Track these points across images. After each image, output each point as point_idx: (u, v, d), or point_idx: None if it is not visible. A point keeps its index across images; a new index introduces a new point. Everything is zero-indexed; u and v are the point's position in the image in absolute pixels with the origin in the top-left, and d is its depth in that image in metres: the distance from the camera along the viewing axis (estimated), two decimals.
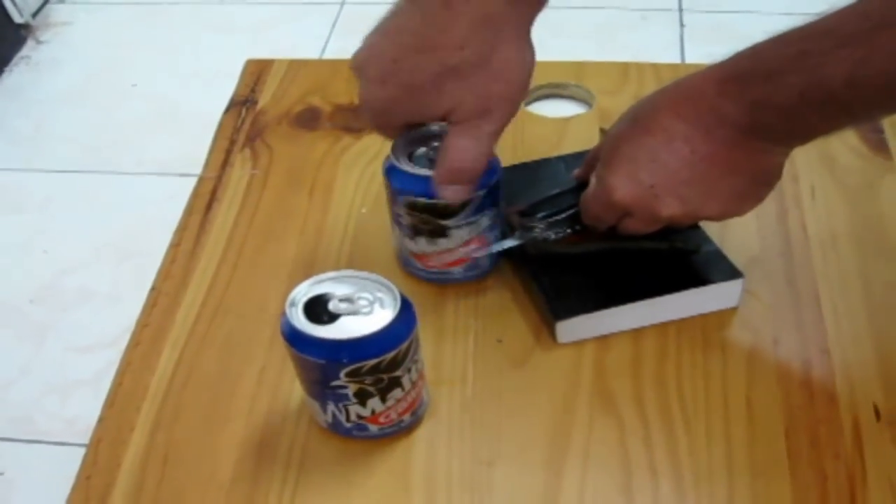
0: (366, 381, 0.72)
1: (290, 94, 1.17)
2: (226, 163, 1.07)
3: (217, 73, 1.20)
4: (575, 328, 0.85)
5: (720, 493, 0.75)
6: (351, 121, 1.11)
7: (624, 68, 1.19)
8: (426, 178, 0.81)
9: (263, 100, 1.16)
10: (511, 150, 1.05)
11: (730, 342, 0.87)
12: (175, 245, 0.98)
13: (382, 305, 0.71)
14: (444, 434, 0.80)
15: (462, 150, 0.78)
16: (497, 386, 0.84)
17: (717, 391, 0.82)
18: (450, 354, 0.86)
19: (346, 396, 0.73)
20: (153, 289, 0.94)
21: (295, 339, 0.71)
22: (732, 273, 0.87)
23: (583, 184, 0.87)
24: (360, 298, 0.71)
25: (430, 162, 0.82)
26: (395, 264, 0.93)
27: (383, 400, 0.74)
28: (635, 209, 0.79)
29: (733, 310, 0.89)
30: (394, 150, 0.83)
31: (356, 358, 0.70)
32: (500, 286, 0.92)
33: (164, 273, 0.95)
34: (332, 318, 0.71)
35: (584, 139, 1.03)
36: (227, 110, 1.15)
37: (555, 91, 1.17)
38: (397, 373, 0.72)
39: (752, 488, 0.76)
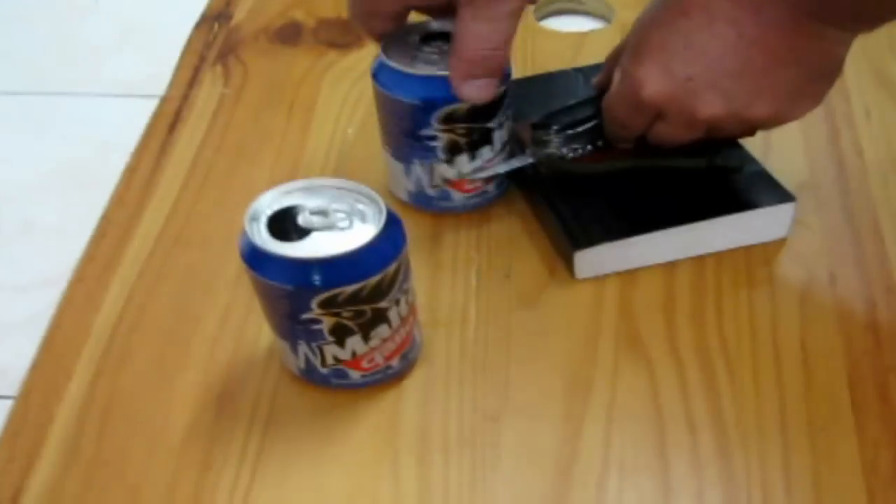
0: (343, 314, 0.58)
1: (270, 8, 1.05)
2: (194, 81, 0.95)
3: None
4: (596, 260, 0.73)
5: (772, 451, 0.63)
6: (337, 36, 0.99)
7: None
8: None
9: (239, 14, 1.04)
10: (520, 68, 0.92)
11: (779, 278, 0.74)
12: (131, 169, 0.85)
13: (363, 219, 0.58)
14: (441, 383, 0.67)
15: (478, 35, 0.66)
16: (504, 327, 0.71)
17: (765, 334, 0.70)
18: (448, 291, 0.74)
19: (320, 334, 0.60)
20: (103, 218, 0.81)
21: (255, 259, 0.58)
22: (782, 196, 0.74)
23: (604, 93, 0.73)
24: (336, 211, 0.58)
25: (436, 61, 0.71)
26: (386, 192, 0.80)
27: (366, 339, 0.61)
28: (669, 108, 0.67)
29: (782, 241, 0.76)
30: (385, 49, 0.71)
31: (331, 283, 0.57)
32: (507, 214, 0.79)
33: (116, 200, 0.82)
34: (302, 234, 0.58)
35: (604, 55, 0.89)
36: (198, 25, 1.03)
37: (569, 6, 1.05)
38: (382, 304, 0.59)
39: (812, 446, 0.63)
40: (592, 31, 1.00)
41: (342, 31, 1.00)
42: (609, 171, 0.75)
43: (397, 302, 0.60)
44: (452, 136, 0.72)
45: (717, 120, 0.66)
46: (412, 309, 0.64)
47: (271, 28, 1.01)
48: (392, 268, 0.58)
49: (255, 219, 0.58)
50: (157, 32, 1.13)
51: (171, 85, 0.94)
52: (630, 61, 0.67)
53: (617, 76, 0.69)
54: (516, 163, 0.76)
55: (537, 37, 0.99)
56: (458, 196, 0.77)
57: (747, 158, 0.77)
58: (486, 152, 0.74)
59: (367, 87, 0.75)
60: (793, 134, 0.83)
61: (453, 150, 0.73)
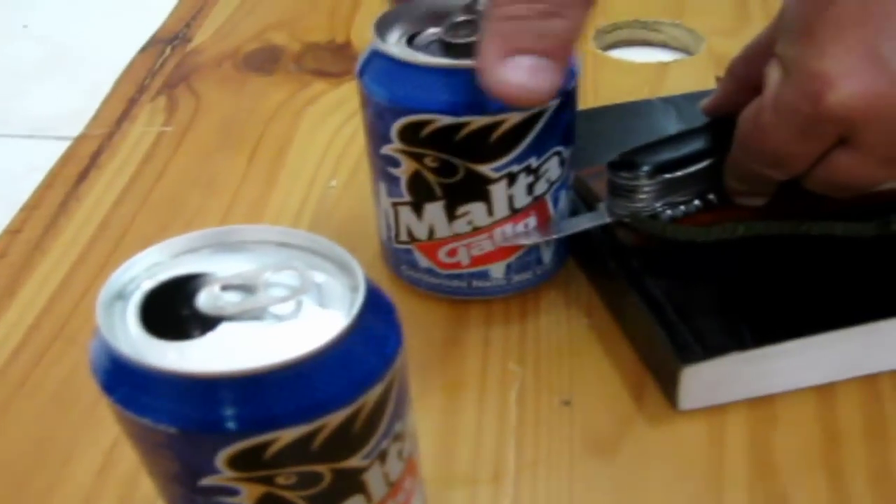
0: (279, 480, 0.31)
1: (243, 30, 0.80)
2: (125, 115, 0.68)
3: (147, 11, 0.81)
4: (714, 381, 0.46)
5: None
6: (328, 63, 0.72)
7: (742, 4, 0.80)
8: (447, 74, 0.44)
9: (201, 36, 0.79)
10: (579, 103, 0.66)
11: None
12: (12, 231, 0.58)
13: (322, 300, 0.31)
14: None
15: None
16: (564, 489, 0.44)
17: None
18: (472, 428, 0.47)
19: None
20: None
21: (115, 376, 0.30)
22: None
23: (723, 122, 0.48)
24: (270, 284, 0.31)
25: (449, 49, 0.46)
26: (381, 267, 0.53)
27: None
28: (869, 125, 0.41)
29: None
30: (378, 27, 0.44)
31: (253, 423, 0.30)
32: (565, 303, 0.53)
33: None
34: (206, 326, 0.31)
35: (695, 88, 0.63)
36: (145, 48, 0.77)
37: (640, 35, 0.79)
38: (354, 461, 0.32)
39: None
40: (676, 61, 0.74)
41: (336, 57, 0.74)
42: (729, 239, 0.49)
43: (383, 456, 0.33)
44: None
45: None
46: (410, 466, 0.36)
47: (241, 53, 0.76)
48: (375, 393, 0.31)
49: (120, 297, 0.31)
50: (92, 61, 0.86)
51: (94, 120, 0.68)
52: (803, 49, 0.41)
53: (773, 76, 0.43)
54: (584, 223, 0.50)
55: (600, 67, 0.73)
56: (498, 271, 0.50)
57: None
58: None
59: (361, 126, 0.49)
60: None
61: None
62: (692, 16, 0.79)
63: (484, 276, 0.51)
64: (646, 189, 0.48)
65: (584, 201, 0.53)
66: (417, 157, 0.46)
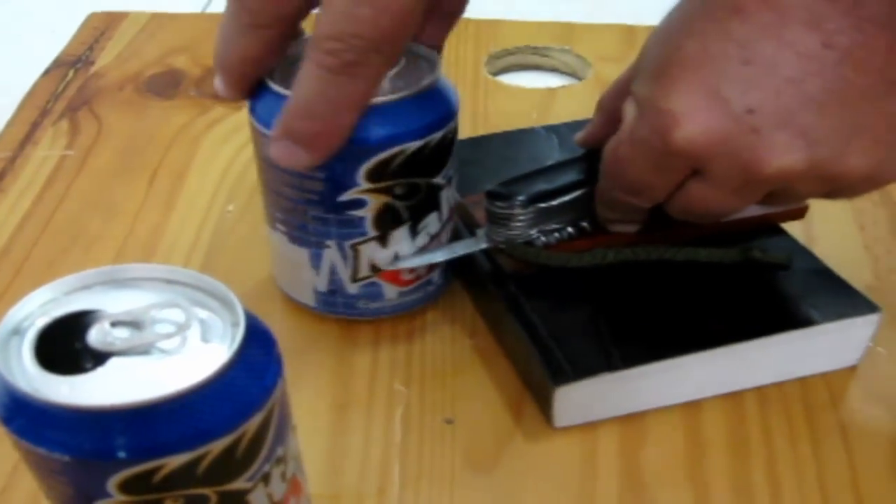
0: (167, 502, 0.33)
1: (145, 54, 0.81)
2: (27, 140, 0.69)
3: (50, 34, 0.82)
4: (586, 400, 0.49)
5: None
6: None
7: (629, 32, 0.82)
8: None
9: (104, 60, 0.80)
10: (469, 130, 0.68)
11: (856, 426, 0.50)
12: None
13: (206, 336, 0.33)
14: None
15: (321, 94, 0.45)
16: (445, 503, 0.46)
17: None
18: (358, 447, 0.49)
19: None
20: None
21: (11, 408, 0.32)
22: (859, 306, 0.52)
23: (595, 153, 0.51)
24: (157, 321, 0.33)
25: None
26: (275, 293, 0.55)
27: None
28: (715, 159, 0.44)
29: (850, 370, 0.53)
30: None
31: (141, 451, 0.32)
32: (450, 323, 0.56)
33: None
34: (96, 361, 0.32)
35: (581, 115, 0.66)
36: (48, 72, 0.78)
37: (530, 59, 0.82)
38: (238, 484, 0.34)
39: None
40: (564, 87, 0.77)
41: None
42: (600, 265, 0.52)
43: (266, 478, 0.35)
44: (388, 198, 0.47)
45: (789, 177, 0.43)
46: (294, 485, 0.38)
47: (142, 77, 0.77)
48: (255, 421, 0.33)
49: (16, 333, 0.33)
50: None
51: None
52: (653, 88, 0.44)
53: (629, 112, 0.46)
54: (462, 249, 0.52)
55: (491, 92, 0.75)
56: (391, 292, 0.52)
57: (797, 249, 0.54)
58: (432, 222, 0.50)
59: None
60: (842, 216, 0.60)
61: (389, 221, 0.49)
62: (581, 42, 0.82)
63: (381, 295, 0.53)
64: (521, 218, 0.51)
65: (466, 227, 0.56)
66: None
